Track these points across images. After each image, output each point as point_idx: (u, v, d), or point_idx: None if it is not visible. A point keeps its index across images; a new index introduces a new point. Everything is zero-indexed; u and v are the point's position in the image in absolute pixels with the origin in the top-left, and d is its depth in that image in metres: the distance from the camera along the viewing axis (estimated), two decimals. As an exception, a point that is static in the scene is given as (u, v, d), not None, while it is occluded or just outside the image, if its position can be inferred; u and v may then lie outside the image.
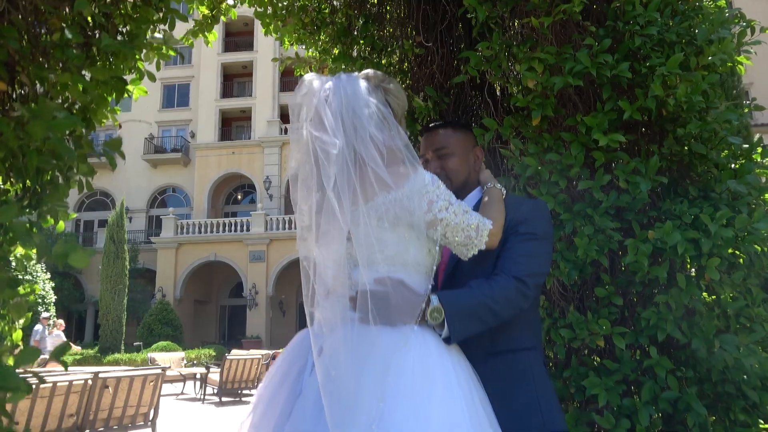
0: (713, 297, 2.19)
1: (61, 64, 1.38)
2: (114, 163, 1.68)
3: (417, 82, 3.06)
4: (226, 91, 29.12)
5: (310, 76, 1.61)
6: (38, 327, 12.77)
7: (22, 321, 2.02)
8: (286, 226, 24.17)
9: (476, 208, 1.87)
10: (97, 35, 2.18)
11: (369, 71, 1.73)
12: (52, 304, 15.63)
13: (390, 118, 1.56)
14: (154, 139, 28.81)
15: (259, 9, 2.78)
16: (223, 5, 2.75)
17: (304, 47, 3.00)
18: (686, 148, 2.07)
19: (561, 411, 1.77)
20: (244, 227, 24.48)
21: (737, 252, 2.14)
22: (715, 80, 2.08)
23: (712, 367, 2.00)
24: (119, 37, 2.30)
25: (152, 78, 2.46)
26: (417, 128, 2.92)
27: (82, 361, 16.32)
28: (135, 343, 18.69)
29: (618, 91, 2.20)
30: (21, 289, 1.93)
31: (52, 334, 12.33)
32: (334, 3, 2.99)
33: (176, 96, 29.20)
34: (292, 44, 2.97)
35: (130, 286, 21.85)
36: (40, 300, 15.13)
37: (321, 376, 1.44)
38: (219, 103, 28.31)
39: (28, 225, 2.03)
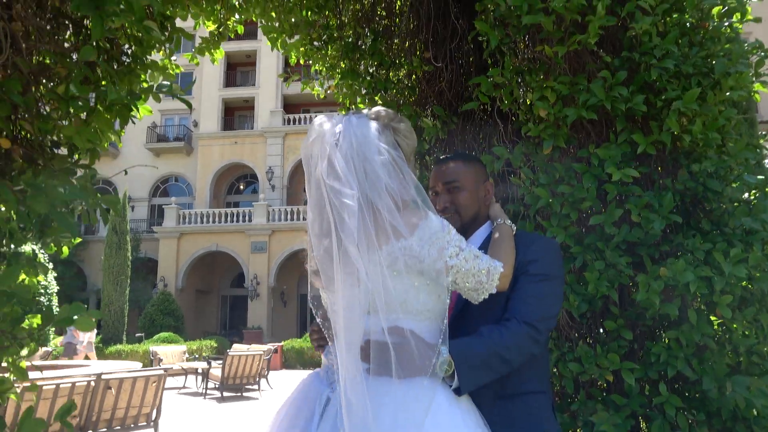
0: (723, 329, 2.17)
1: (62, 113, 1.36)
2: (119, 210, 1.66)
3: (425, 99, 3.02)
4: (230, 81, 28.98)
5: (319, 119, 1.58)
6: (72, 327, 13.12)
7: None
8: (288, 217, 24.17)
9: (486, 242, 1.85)
10: (104, 59, 2.15)
11: (380, 110, 1.69)
12: (55, 294, 15.69)
13: (400, 162, 1.53)
14: (156, 128, 28.75)
15: (266, 23, 2.73)
16: (230, 21, 2.71)
17: (311, 61, 2.96)
18: (701, 183, 2.04)
19: (570, 456, 1.76)
20: (246, 218, 24.48)
21: (750, 286, 2.12)
22: (733, 114, 2.05)
23: (722, 405, 1.98)
24: (123, 58, 2.27)
25: (157, 99, 2.43)
26: (424, 147, 2.89)
27: (84, 352, 16.37)
28: (137, 335, 18.78)
29: (632, 122, 2.17)
30: (26, 322, 1.92)
31: (84, 334, 12.73)
32: (342, 18, 2.94)
33: (179, 84, 29.06)
34: (299, 59, 2.93)
35: (132, 276, 21.93)
36: (42, 290, 15.17)
37: (330, 429, 1.43)
38: (222, 92, 28.18)
39: (31, 252, 2.02)
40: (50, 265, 15.73)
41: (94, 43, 1.40)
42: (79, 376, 5.77)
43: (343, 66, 2.96)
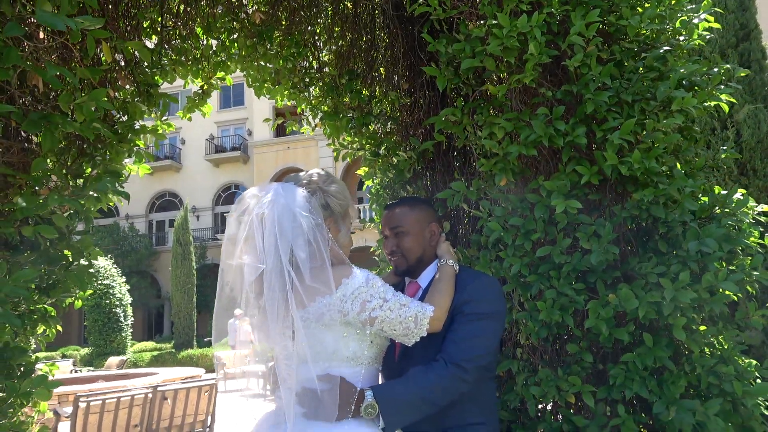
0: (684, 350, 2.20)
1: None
2: (91, 278, 1.92)
3: (406, 129, 3.15)
4: (279, 88, 29.83)
5: (251, 191, 1.77)
6: (232, 320, 14.95)
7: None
8: (343, 217, 24.66)
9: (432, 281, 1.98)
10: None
11: (312, 174, 1.87)
12: (129, 304, 16.84)
13: (322, 227, 1.69)
14: (214, 140, 30.08)
15: (248, 75, 2.95)
16: (213, 80, 2.95)
17: (295, 103, 3.15)
18: (645, 210, 2.07)
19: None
20: (303, 220, 25.16)
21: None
22: (675, 139, 2.06)
23: (676, 428, 2.02)
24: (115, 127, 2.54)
25: (146, 166, 2.70)
26: (406, 176, 3.02)
27: (159, 357, 17.52)
28: (206, 339, 19.89)
29: (580, 152, 2.22)
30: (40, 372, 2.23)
31: (242, 327, 14.25)
32: (322, 58, 3.12)
33: (232, 96, 30.25)
34: (284, 102, 3.14)
35: (201, 282, 23.11)
36: (117, 303, 16.34)
37: None
38: (273, 100, 29.04)
39: (44, 308, 2.33)
40: (123, 278, 16.92)
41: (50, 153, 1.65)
42: (138, 388, 6.29)
43: (325, 108, 3.14)
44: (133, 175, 2.78)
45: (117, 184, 2.34)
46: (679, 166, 2.15)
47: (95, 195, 2.18)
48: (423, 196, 2.80)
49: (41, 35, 1.71)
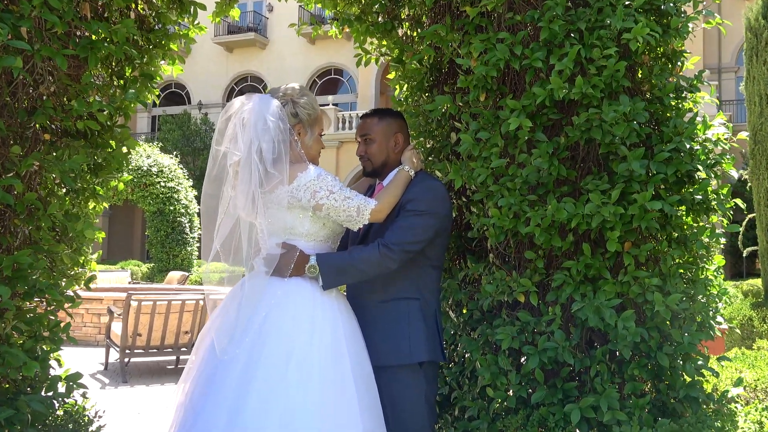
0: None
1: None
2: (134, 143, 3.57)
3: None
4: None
5: (238, 100, 3.24)
6: None
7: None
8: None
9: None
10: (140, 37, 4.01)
11: (287, 88, 3.30)
12: (196, 214, 19.79)
13: (286, 131, 3.14)
14: (227, 18, 32.75)
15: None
16: (240, -14, 4.36)
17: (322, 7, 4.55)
18: (585, 132, 3.25)
19: (432, 345, 3.28)
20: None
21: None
22: (621, 67, 3.17)
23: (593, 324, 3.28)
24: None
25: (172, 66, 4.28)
26: (424, 86, 4.34)
27: (229, 280, 20.51)
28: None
29: (543, 75, 3.41)
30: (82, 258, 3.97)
31: None
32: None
33: None
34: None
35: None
36: (183, 210, 19.29)
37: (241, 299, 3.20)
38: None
39: (94, 187, 4.05)
40: (190, 182, 19.76)
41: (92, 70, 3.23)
42: (189, 293, 8.42)
43: (355, 9, 4.49)
44: (209, 54, 4.42)
45: (149, 84, 3.97)
46: (624, 89, 3.28)
47: (133, 93, 3.80)
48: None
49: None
